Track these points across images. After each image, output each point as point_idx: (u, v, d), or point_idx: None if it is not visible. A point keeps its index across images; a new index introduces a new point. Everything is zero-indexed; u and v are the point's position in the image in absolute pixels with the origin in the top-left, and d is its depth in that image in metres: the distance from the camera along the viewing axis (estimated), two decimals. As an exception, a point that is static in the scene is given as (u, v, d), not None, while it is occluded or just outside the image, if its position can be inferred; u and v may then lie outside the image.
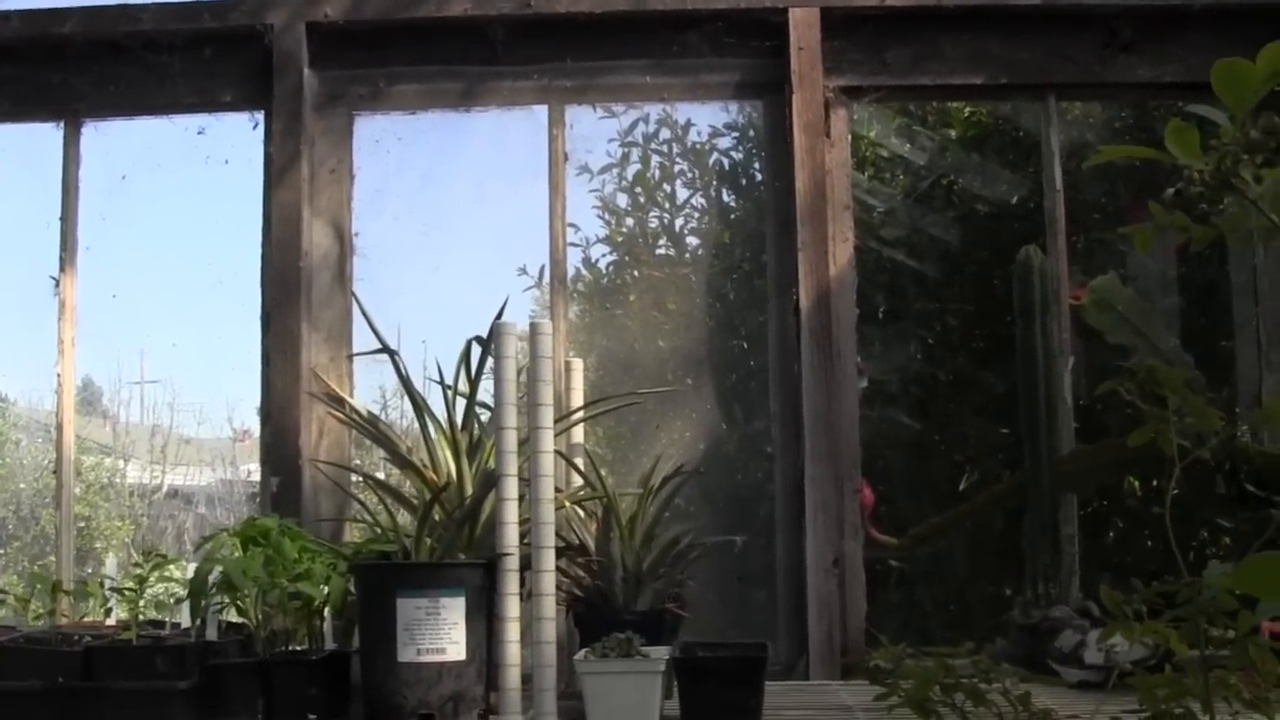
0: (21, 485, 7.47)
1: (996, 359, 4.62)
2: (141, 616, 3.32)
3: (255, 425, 4.19)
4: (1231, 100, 1.58)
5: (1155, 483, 4.34)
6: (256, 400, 4.13)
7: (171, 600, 3.44)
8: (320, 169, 4.22)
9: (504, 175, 4.40)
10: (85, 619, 3.67)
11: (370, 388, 4.27)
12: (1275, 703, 2.06)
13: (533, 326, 3.09)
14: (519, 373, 3.21)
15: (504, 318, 3.18)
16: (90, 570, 3.89)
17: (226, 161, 4.38)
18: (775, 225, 4.22)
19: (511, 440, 3.05)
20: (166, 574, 3.40)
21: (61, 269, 4.28)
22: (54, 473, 4.31)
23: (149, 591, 3.36)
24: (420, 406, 3.41)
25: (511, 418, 3.05)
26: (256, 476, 4.24)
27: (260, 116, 4.25)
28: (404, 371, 3.47)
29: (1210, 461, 3.63)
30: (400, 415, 4.54)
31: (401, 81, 4.27)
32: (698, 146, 4.61)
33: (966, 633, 3.00)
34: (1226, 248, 4.45)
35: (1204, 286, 4.70)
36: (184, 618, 3.32)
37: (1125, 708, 2.25)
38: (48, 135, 4.33)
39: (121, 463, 9.42)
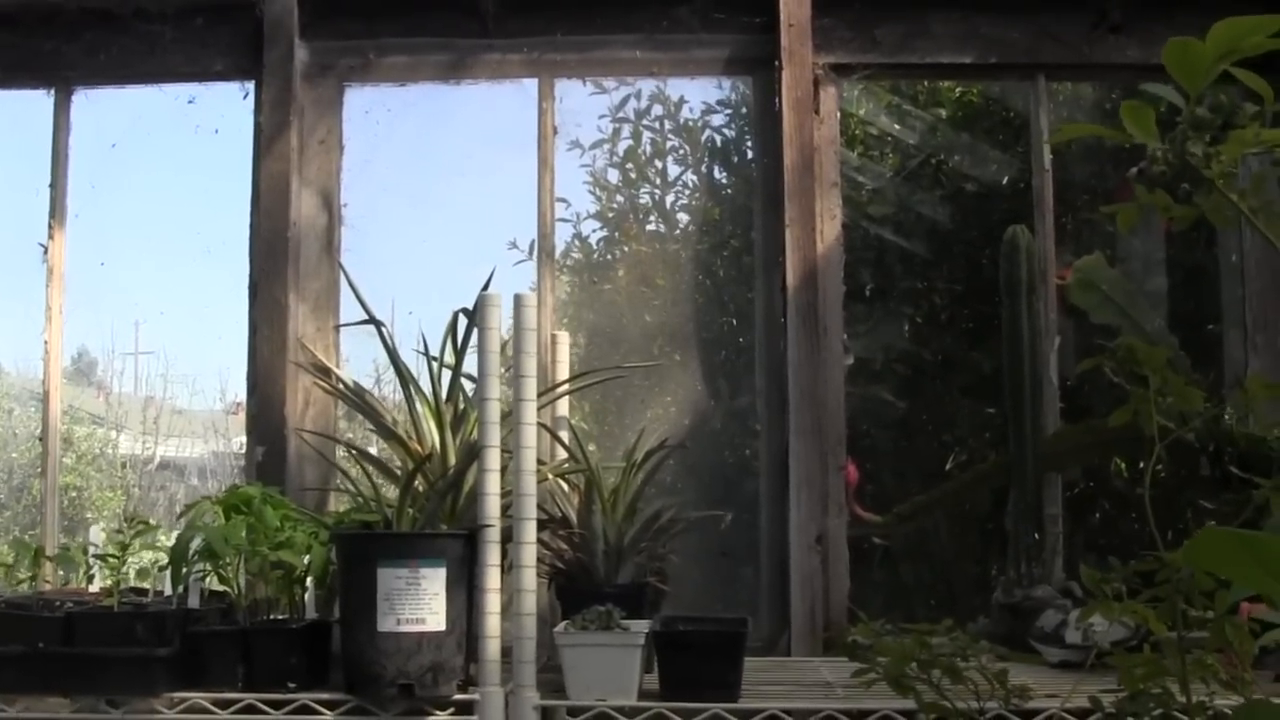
0: (13, 454, 7.44)
1: (983, 339, 4.61)
2: (124, 584, 3.32)
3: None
4: (1185, 79, 1.59)
5: (1141, 464, 4.34)
6: (244, 369, 4.14)
7: (155, 568, 3.44)
8: (309, 139, 4.22)
9: (493, 148, 4.41)
10: (69, 586, 3.67)
11: (364, 361, 4.28)
12: (1251, 683, 2.07)
13: (517, 298, 3.09)
14: (504, 345, 3.21)
15: (492, 290, 3.18)
16: (80, 540, 3.90)
17: (216, 131, 4.38)
18: (763, 202, 4.23)
19: (494, 411, 3.05)
20: (153, 543, 3.41)
21: (50, 236, 4.29)
22: (40, 439, 4.32)
23: (133, 560, 3.37)
24: (406, 377, 3.42)
25: (495, 388, 3.06)
26: (247, 449, 4.24)
27: (250, 86, 4.25)
28: (390, 342, 3.47)
29: (1195, 444, 3.64)
30: (393, 390, 4.53)
31: (392, 53, 4.26)
32: (690, 123, 4.60)
33: (950, 612, 2.99)
34: (1214, 230, 4.44)
35: (1191, 269, 4.69)
36: (167, 586, 3.32)
37: (1104, 687, 2.26)
38: (38, 102, 4.34)
39: (114, 434, 9.40)
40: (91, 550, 3.51)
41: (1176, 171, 1.67)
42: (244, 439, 4.21)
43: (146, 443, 9.45)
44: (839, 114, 4.20)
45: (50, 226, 4.29)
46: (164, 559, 3.32)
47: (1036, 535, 3.83)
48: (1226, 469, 3.61)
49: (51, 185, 4.31)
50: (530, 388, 3.05)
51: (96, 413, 9.56)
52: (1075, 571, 3.64)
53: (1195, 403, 2.17)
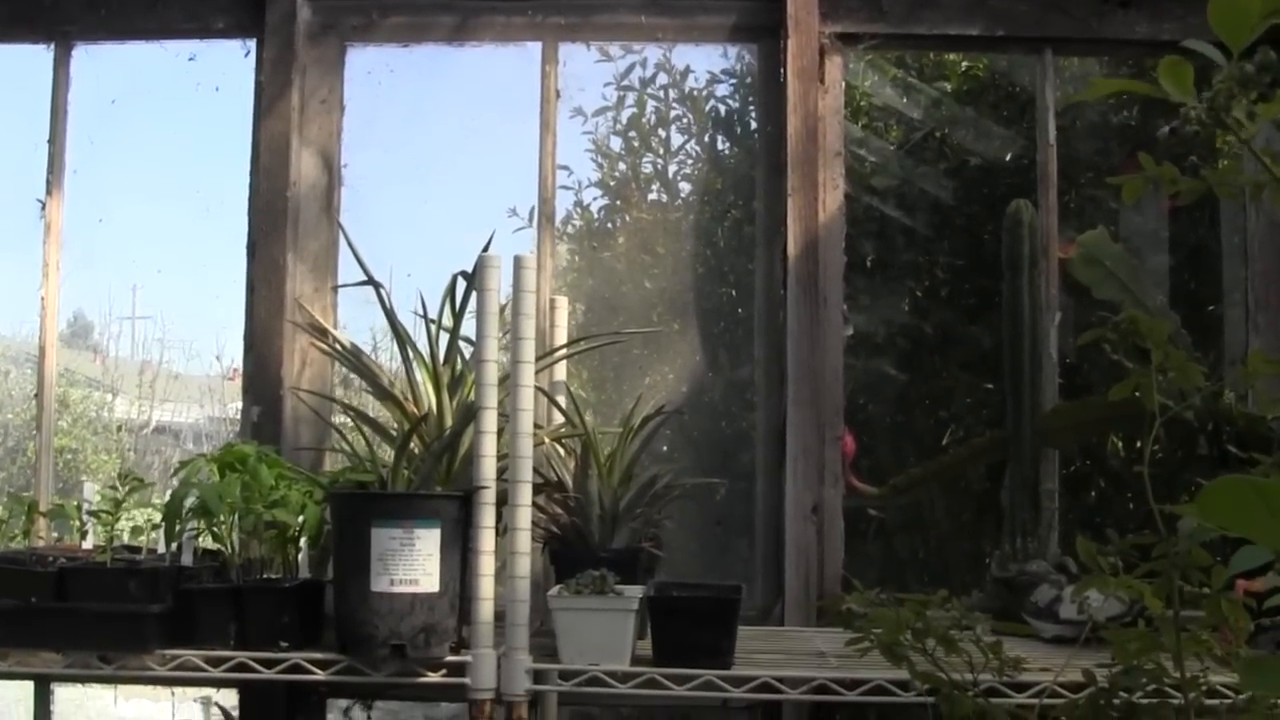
0: (10, 416, 7.43)
1: (984, 314, 4.60)
2: (118, 542, 3.31)
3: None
4: (1229, 36, 1.56)
5: (1139, 443, 4.33)
6: (241, 332, 4.12)
7: (149, 526, 3.43)
8: (310, 99, 4.19)
9: (496, 112, 4.39)
10: (63, 543, 3.67)
11: (361, 328, 4.28)
12: (1245, 659, 2.07)
13: (516, 260, 3.07)
14: (502, 309, 3.20)
15: (491, 252, 3.16)
16: (75, 499, 3.91)
17: (217, 89, 4.37)
18: (765, 171, 4.21)
19: (492, 373, 3.04)
20: (147, 500, 3.40)
21: (48, 192, 4.27)
22: (35, 398, 4.31)
23: (127, 518, 3.36)
24: (403, 338, 3.40)
25: (492, 350, 3.04)
26: (244, 412, 4.23)
27: (252, 44, 4.22)
28: (388, 304, 3.46)
29: (1194, 423, 3.63)
30: (389, 357, 4.53)
31: (395, 13, 4.23)
32: (695, 93, 4.58)
33: (944, 585, 2.99)
34: (1218, 210, 4.44)
35: (1194, 248, 4.68)
36: (161, 544, 3.31)
37: (1098, 662, 2.25)
38: (38, 57, 4.31)
39: (110, 397, 9.40)
40: (85, 507, 3.50)
41: (1211, 132, 1.65)
42: (239, 404, 4.20)
43: (142, 407, 9.45)
44: (844, 84, 4.18)
45: (48, 183, 4.27)
46: (157, 517, 3.31)
47: (1032, 510, 3.83)
48: (1225, 448, 3.60)
49: (50, 141, 4.29)
50: (528, 350, 3.04)
51: (93, 376, 9.56)
52: (1070, 548, 3.63)
53: (1195, 379, 2.16)
